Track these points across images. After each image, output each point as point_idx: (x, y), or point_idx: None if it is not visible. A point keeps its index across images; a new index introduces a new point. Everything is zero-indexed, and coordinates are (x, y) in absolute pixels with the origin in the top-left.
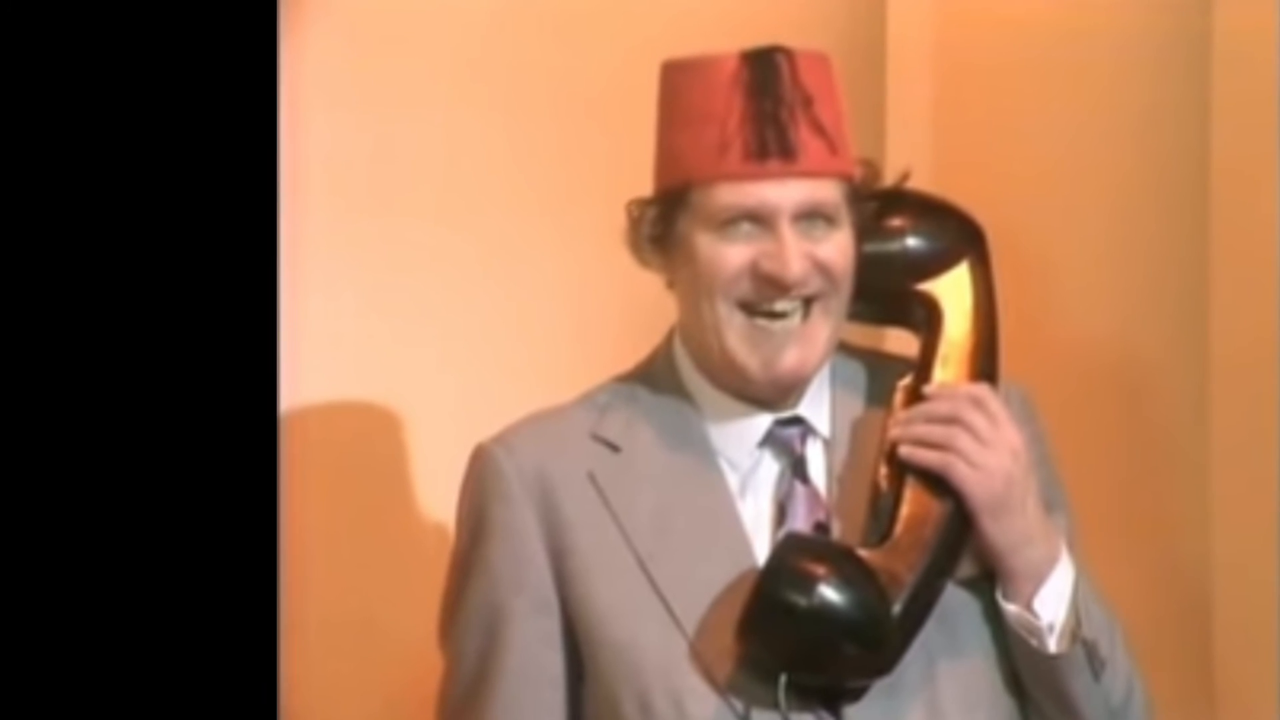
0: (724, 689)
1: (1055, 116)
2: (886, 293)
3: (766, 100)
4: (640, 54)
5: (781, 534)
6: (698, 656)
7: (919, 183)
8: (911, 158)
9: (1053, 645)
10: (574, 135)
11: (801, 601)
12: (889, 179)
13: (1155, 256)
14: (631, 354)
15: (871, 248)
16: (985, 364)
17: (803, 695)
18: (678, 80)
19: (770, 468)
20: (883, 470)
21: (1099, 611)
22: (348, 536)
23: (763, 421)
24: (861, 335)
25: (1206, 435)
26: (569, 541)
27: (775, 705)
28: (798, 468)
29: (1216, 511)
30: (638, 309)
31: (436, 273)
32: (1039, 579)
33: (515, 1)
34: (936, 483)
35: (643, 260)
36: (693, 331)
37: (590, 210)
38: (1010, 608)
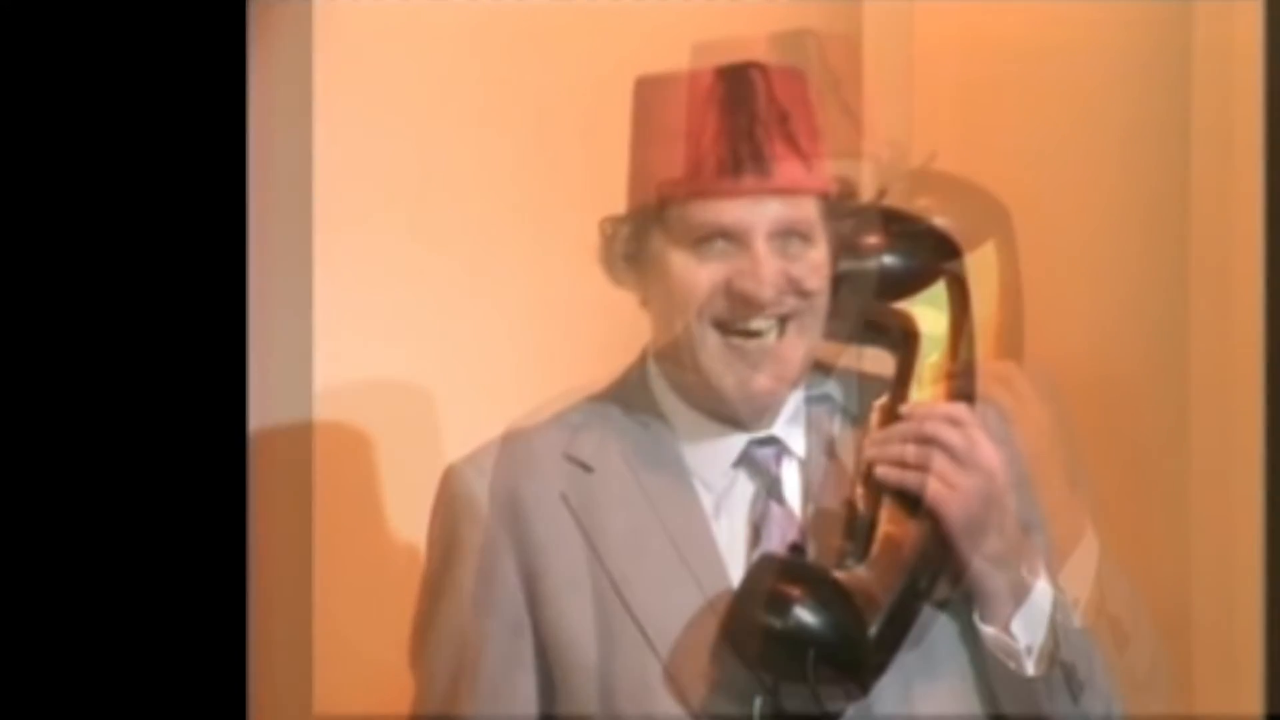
0: (698, 712)
1: (1034, 133)
2: (863, 311)
3: (741, 116)
4: (615, 70)
5: (756, 555)
6: (671, 679)
7: (895, 200)
8: (890, 176)
9: (1031, 668)
10: (547, 151)
11: (777, 624)
12: (865, 196)
13: (1135, 274)
14: (605, 373)
15: (848, 265)
16: (962, 383)
17: (778, 719)
18: (652, 96)
19: (745, 488)
20: (859, 491)
21: (1078, 633)
22: (318, 557)
23: (738, 441)
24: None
25: (1186, 453)
26: (541, 563)
27: None
28: (773, 488)
29: (1196, 530)
30: (611, 327)
31: (408, 289)
32: (1017, 601)
33: (491, 17)
34: (913, 504)
35: (616, 278)
36: (667, 350)
37: (563, 228)
38: (988, 630)
